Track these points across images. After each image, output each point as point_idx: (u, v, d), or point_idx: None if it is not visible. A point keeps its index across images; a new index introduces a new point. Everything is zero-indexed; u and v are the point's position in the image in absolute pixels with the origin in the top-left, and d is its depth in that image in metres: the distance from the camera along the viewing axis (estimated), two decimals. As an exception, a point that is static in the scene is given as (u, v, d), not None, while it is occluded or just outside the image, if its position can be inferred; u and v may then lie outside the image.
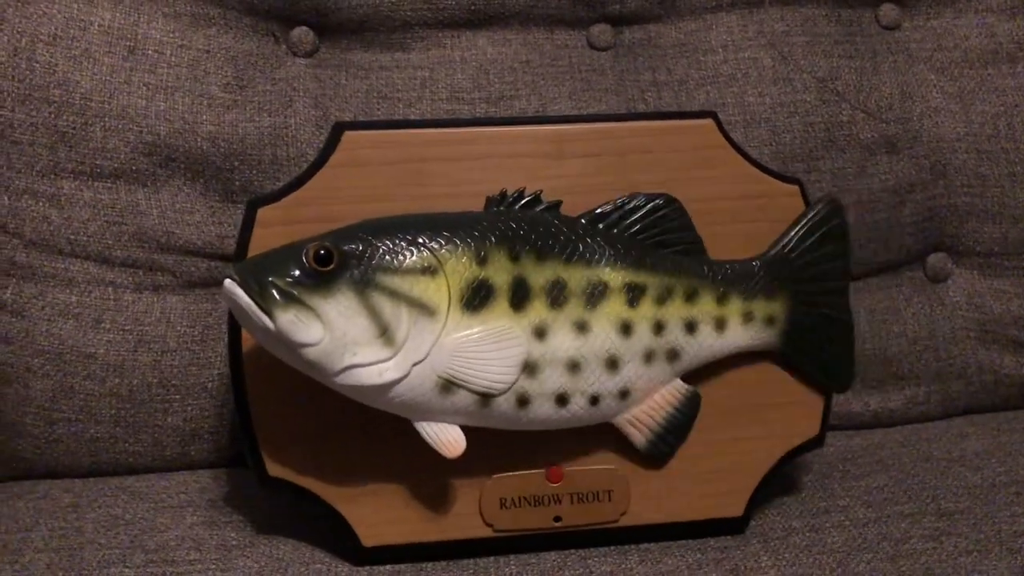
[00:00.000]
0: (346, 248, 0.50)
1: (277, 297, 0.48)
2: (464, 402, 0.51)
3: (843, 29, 0.75)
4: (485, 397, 0.51)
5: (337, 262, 0.49)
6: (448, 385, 0.51)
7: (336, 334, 0.49)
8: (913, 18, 0.78)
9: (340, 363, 0.49)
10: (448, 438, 0.52)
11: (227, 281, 0.48)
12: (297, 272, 0.49)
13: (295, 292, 0.48)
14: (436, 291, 0.51)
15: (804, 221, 0.58)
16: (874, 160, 0.73)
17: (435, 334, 0.50)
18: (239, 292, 0.48)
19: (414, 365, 0.50)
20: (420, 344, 0.50)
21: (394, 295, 0.50)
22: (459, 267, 0.51)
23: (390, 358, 0.49)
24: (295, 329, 0.48)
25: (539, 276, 0.52)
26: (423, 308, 0.50)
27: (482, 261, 0.51)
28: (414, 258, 0.51)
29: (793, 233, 0.58)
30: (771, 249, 0.57)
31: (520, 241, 0.52)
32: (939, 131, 0.75)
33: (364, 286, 0.49)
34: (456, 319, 0.51)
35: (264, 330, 0.48)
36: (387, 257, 0.50)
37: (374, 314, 0.49)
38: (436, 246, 0.51)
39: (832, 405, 0.60)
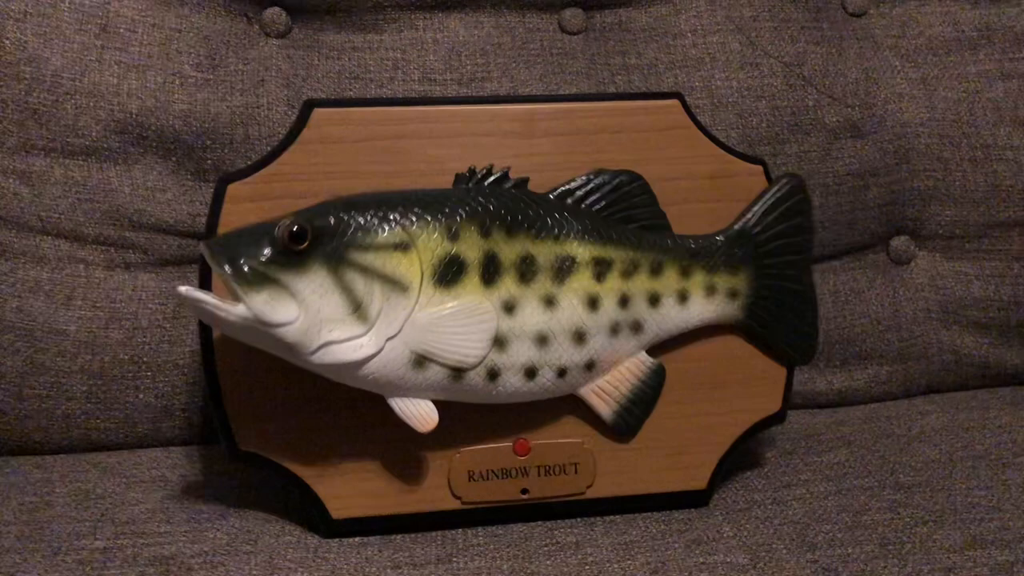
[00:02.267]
0: (319, 225, 0.50)
1: (250, 278, 0.47)
2: (437, 377, 0.52)
3: (810, 15, 0.77)
4: (457, 371, 0.52)
5: (311, 239, 0.49)
6: (421, 360, 0.51)
7: (311, 312, 0.49)
8: (879, 5, 0.79)
9: (316, 341, 0.49)
10: (421, 413, 0.52)
11: (183, 288, 0.47)
12: (270, 250, 0.48)
13: (268, 272, 0.48)
14: (408, 267, 0.51)
15: (767, 197, 0.59)
16: (839, 144, 0.75)
17: (408, 309, 0.51)
18: (199, 294, 0.47)
19: (387, 340, 0.50)
20: (393, 319, 0.51)
21: (367, 271, 0.50)
22: (431, 243, 0.52)
23: (364, 334, 0.50)
24: (269, 310, 0.47)
25: (509, 252, 0.53)
26: (396, 284, 0.51)
27: (454, 237, 0.52)
28: (386, 234, 0.51)
29: (756, 209, 0.59)
30: (734, 224, 0.59)
31: (490, 217, 0.53)
32: (903, 116, 0.76)
33: (337, 262, 0.49)
34: (428, 294, 0.51)
35: (233, 322, 0.47)
36: (359, 233, 0.50)
37: (347, 290, 0.50)
38: (408, 222, 0.52)
39: (795, 383, 0.62)
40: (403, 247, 0.51)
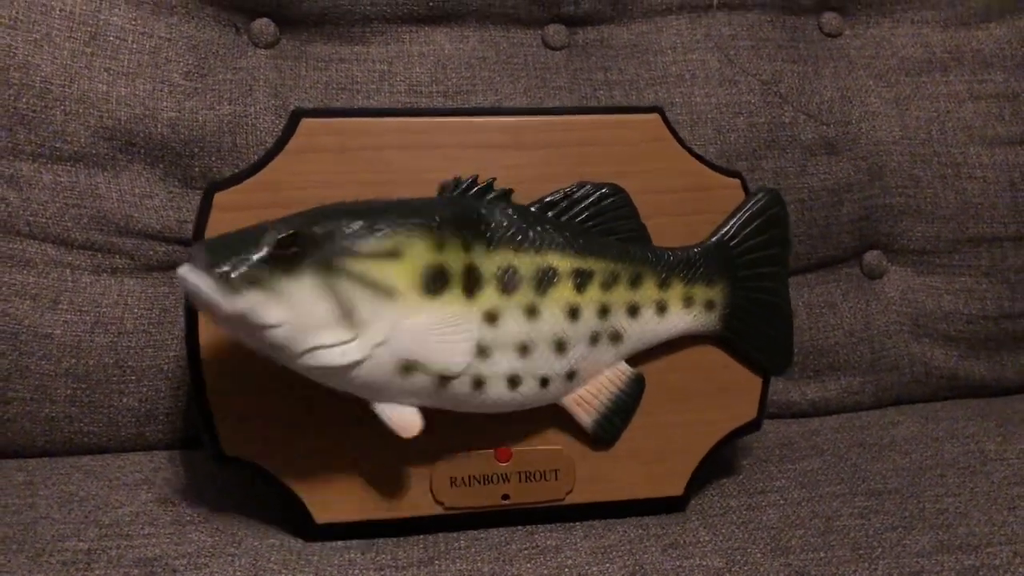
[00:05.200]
0: (310, 231, 0.51)
1: (240, 279, 0.48)
2: (422, 384, 0.53)
3: (787, 35, 0.79)
4: (442, 379, 0.53)
5: (300, 245, 0.50)
6: (407, 367, 0.52)
7: (299, 316, 0.49)
8: (854, 26, 0.81)
9: (303, 345, 0.50)
10: (405, 419, 0.53)
11: (182, 268, 0.48)
12: (261, 254, 0.49)
13: (257, 274, 0.49)
14: (397, 275, 0.52)
15: (744, 210, 0.60)
16: (814, 160, 0.76)
17: (395, 317, 0.52)
18: (195, 278, 0.47)
19: (375, 347, 0.51)
20: (381, 327, 0.51)
21: (356, 278, 0.51)
22: (418, 252, 0.52)
23: (352, 340, 0.51)
24: (258, 311, 0.48)
25: (490, 263, 0.54)
26: (384, 291, 0.51)
27: (439, 247, 0.53)
28: (376, 242, 0.52)
29: (733, 221, 0.60)
30: (712, 237, 0.60)
31: (472, 228, 0.54)
32: (876, 134, 0.78)
33: (326, 269, 0.50)
34: (416, 302, 0.52)
35: (224, 314, 0.49)
36: (349, 240, 0.51)
37: (336, 296, 0.50)
38: (397, 231, 0.52)
39: (771, 393, 0.63)
40: (392, 255, 0.52)
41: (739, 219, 0.60)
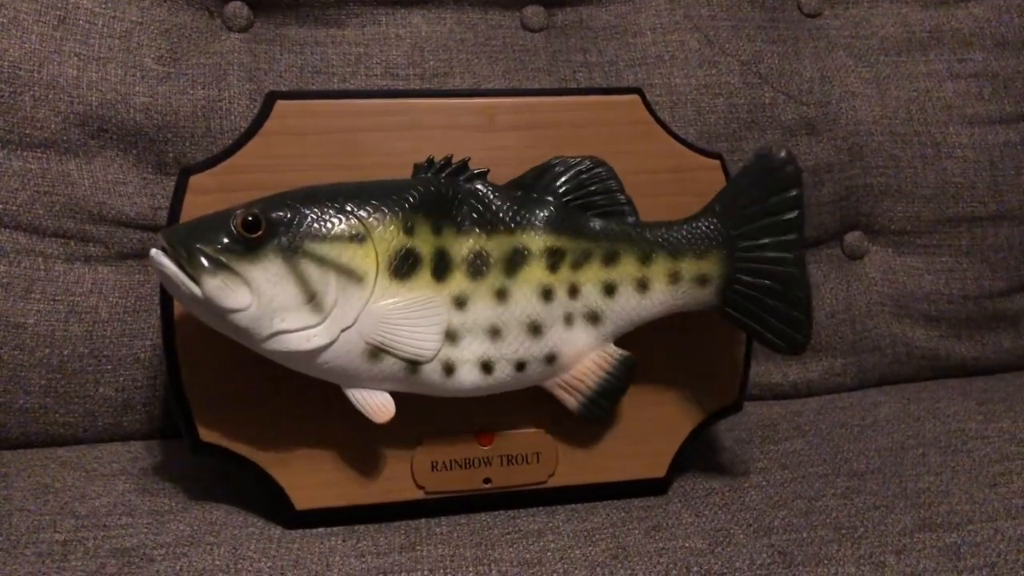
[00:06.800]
0: (274, 215, 0.50)
1: (205, 263, 0.49)
2: (392, 369, 0.52)
3: (767, 15, 0.78)
4: (413, 364, 0.52)
5: (265, 229, 0.50)
6: (376, 352, 0.52)
7: (263, 300, 0.49)
8: (833, 6, 0.81)
9: (268, 329, 0.50)
10: (377, 404, 0.53)
11: (153, 251, 0.49)
12: (225, 239, 0.49)
13: (223, 258, 0.49)
14: (364, 258, 0.51)
15: (744, 175, 0.57)
16: (794, 141, 0.76)
17: (363, 300, 0.51)
18: (165, 261, 0.48)
19: (342, 331, 0.51)
20: (348, 310, 0.51)
21: (322, 262, 0.51)
22: (387, 235, 0.52)
23: (318, 324, 0.50)
24: (222, 295, 0.49)
25: (460, 247, 0.53)
26: (351, 275, 0.51)
27: (409, 230, 0.52)
28: (342, 225, 0.51)
29: (731, 188, 0.57)
30: (706, 207, 0.57)
31: (443, 211, 0.53)
32: (856, 114, 0.78)
33: (292, 253, 0.50)
34: (384, 286, 0.52)
35: (192, 297, 0.49)
36: (315, 224, 0.51)
37: (302, 280, 0.50)
38: (364, 214, 0.52)
39: (752, 374, 0.63)
40: (359, 238, 0.51)
41: (738, 185, 0.57)
